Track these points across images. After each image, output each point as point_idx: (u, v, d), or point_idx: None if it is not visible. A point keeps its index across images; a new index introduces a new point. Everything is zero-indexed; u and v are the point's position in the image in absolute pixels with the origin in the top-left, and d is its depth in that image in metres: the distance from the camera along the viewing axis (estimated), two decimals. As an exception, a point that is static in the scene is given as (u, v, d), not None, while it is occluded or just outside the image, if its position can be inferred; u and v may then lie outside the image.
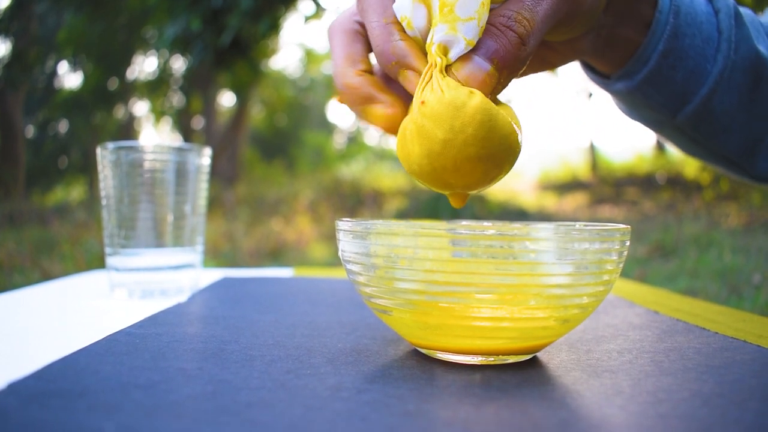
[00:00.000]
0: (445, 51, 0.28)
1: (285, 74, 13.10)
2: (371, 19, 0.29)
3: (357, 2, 0.30)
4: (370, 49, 0.32)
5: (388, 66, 0.29)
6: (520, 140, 0.28)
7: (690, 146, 0.44)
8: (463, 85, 0.27)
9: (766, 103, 0.40)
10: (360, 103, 0.30)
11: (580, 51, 0.38)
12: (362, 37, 0.32)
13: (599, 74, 0.42)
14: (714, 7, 0.39)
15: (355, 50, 0.31)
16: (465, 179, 0.28)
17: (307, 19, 5.96)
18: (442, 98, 0.27)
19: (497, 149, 0.27)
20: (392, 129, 0.30)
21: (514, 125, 0.28)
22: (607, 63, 0.40)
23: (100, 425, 0.20)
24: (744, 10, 0.40)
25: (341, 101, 0.32)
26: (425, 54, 0.28)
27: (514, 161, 0.29)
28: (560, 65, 0.40)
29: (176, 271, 0.50)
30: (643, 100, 0.40)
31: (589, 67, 0.43)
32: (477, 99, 0.27)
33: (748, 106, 0.40)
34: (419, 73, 0.28)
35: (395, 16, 0.29)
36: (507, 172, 0.29)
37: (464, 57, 0.28)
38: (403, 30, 0.29)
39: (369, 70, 0.31)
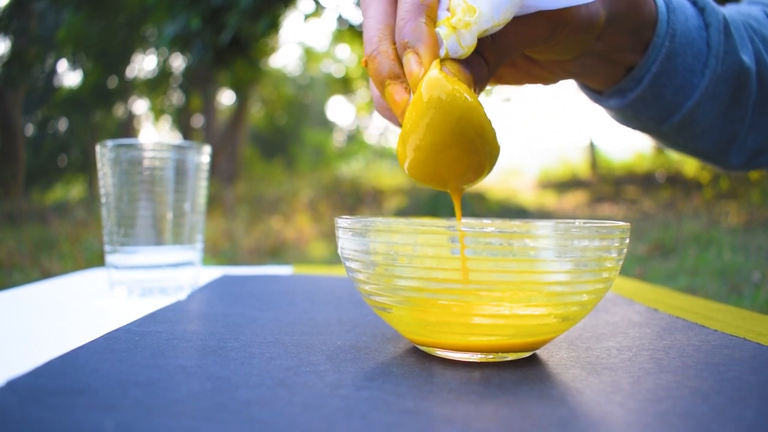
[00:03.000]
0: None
1: (285, 72, 13.09)
2: None
3: None
4: None
5: (401, 42, 0.28)
6: (492, 127, 0.28)
7: (670, 145, 0.46)
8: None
9: (743, 106, 0.41)
10: (387, 76, 0.29)
11: (571, 72, 0.38)
12: None
13: (592, 89, 0.43)
14: (705, 20, 0.39)
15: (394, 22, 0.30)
16: (448, 170, 0.28)
17: (307, 17, 5.95)
18: (417, 95, 0.27)
19: (463, 135, 0.27)
20: (399, 114, 0.30)
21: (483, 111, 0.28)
22: (600, 81, 0.40)
23: (99, 423, 0.20)
24: (729, 13, 0.40)
25: (366, 67, 0.30)
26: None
27: (493, 149, 0.28)
28: (551, 82, 0.40)
29: (176, 268, 0.50)
30: (633, 114, 0.41)
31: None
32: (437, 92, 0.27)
33: (726, 111, 0.41)
34: (420, 62, 0.28)
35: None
36: (491, 160, 0.29)
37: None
38: (432, 16, 0.29)
39: None
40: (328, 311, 0.41)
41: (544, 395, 0.24)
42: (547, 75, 0.39)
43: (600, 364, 0.28)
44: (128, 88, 10.23)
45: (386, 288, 0.27)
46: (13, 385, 0.23)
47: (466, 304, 0.26)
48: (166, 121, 12.16)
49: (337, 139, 15.58)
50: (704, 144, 0.44)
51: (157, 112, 11.54)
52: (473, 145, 0.28)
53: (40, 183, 10.33)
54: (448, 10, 0.29)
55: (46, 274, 2.78)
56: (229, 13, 5.02)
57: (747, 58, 0.40)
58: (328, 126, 15.57)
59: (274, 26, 5.63)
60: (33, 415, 0.20)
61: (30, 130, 10.64)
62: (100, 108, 10.25)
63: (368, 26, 0.30)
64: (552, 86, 0.41)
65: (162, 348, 0.30)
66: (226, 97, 11.93)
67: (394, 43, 0.29)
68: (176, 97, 10.93)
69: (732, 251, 3.07)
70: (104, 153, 0.48)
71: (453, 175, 0.29)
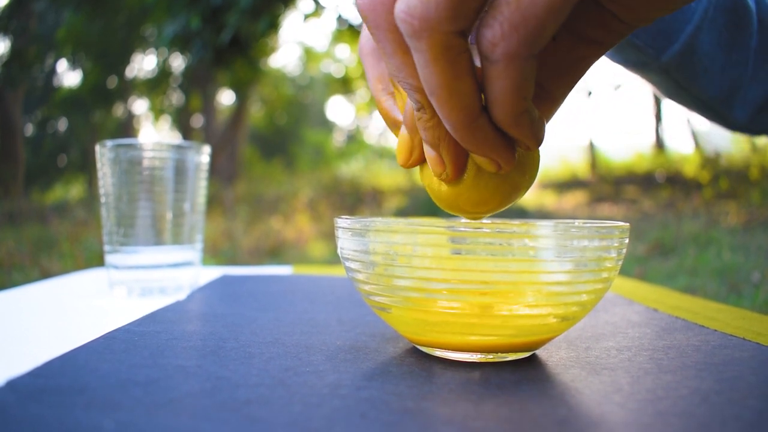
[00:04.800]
0: None
1: (284, 72, 13.09)
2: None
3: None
4: None
5: (392, 79, 0.28)
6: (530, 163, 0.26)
7: (673, 90, 0.45)
8: None
9: (744, 48, 0.41)
10: (391, 126, 0.29)
11: None
12: None
13: None
14: None
15: (383, 69, 0.30)
16: (475, 211, 0.27)
17: (307, 17, 5.95)
18: None
19: (496, 187, 0.26)
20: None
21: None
22: None
23: (98, 422, 0.20)
24: None
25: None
26: None
27: (529, 183, 0.27)
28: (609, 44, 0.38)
29: (175, 268, 0.50)
30: (631, 39, 0.40)
31: None
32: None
33: (727, 50, 0.41)
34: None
35: None
36: (524, 191, 0.27)
37: None
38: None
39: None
40: (327, 311, 0.41)
41: (544, 395, 0.24)
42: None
43: (599, 364, 0.28)
44: (128, 88, 10.23)
45: (386, 288, 0.27)
46: (13, 384, 0.23)
47: (466, 304, 0.26)
48: (165, 121, 12.16)
49: (337, 139, 15.58)
50: (708, 86, 0.43)
51: (157, 112, 11.54)
52: (507, 194, 0.26)
53: (39, 183, 10.34)
54: None
55: (45, 274, 2.78)
56: (229, 12, 5.03)
57: None
58: (327, 126, 15.58)
59: (273, 26, 5.63)
60: (33, 415, 0.20)
61: (30, 129, 10.65)
62: (100, 108, 10.25)
63: (369, 83, 0.30)
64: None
65: (161, 348, 0.30)
66: (226, 97, 11.93)
67: (389, 91, 0.29)
68: (176, 97, 10.93)
69: (731, 251, 3.08)
70: (104, 153, 0.48)
71: (481, 211, 0.27)
